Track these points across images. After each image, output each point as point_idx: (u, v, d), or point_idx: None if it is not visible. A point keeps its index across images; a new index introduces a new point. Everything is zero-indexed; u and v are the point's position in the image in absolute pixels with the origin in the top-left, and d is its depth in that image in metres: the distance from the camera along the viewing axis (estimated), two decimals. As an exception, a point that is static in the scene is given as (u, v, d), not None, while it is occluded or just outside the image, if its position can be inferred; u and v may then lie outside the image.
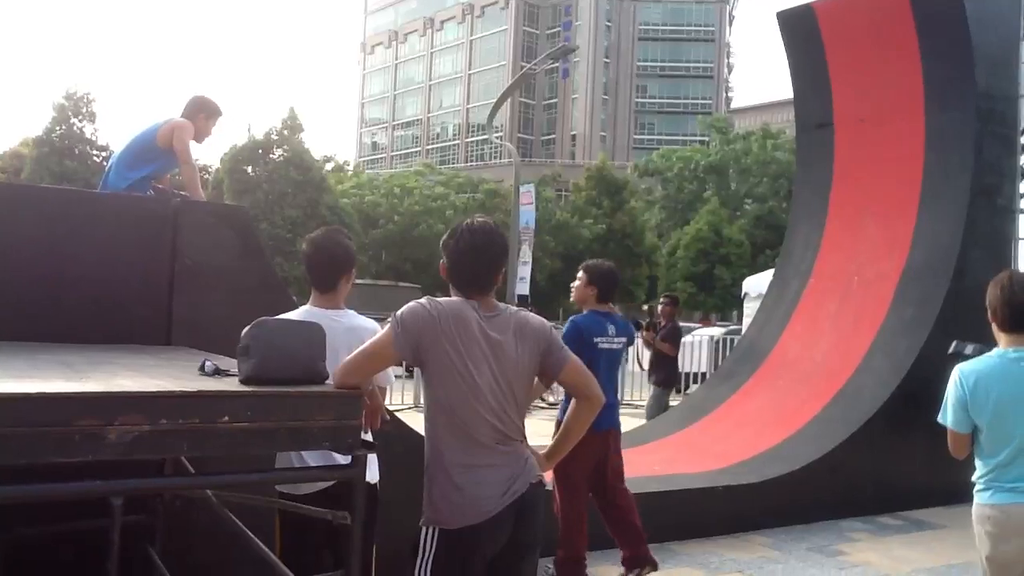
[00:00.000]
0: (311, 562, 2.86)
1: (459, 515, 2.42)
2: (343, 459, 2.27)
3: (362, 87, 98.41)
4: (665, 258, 43.29)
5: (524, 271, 21.79)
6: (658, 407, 9.62)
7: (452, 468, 2.44)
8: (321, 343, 2.34)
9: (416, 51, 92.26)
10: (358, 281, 3.57)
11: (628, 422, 9.80)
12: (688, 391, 14.25)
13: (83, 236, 3.72)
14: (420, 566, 2.43)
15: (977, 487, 3.11)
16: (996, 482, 3.02)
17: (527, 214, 23.24)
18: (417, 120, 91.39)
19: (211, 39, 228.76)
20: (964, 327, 4.14)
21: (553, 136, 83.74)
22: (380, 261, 41.34)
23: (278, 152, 38.49)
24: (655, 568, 4.71)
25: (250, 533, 2.67)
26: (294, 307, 3.27)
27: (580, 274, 4.88)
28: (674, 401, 10.00)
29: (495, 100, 29.49)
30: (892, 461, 6.84)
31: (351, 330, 2.97)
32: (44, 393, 1.83)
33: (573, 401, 2.74)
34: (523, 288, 21.47)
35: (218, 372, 2.35)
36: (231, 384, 2.19)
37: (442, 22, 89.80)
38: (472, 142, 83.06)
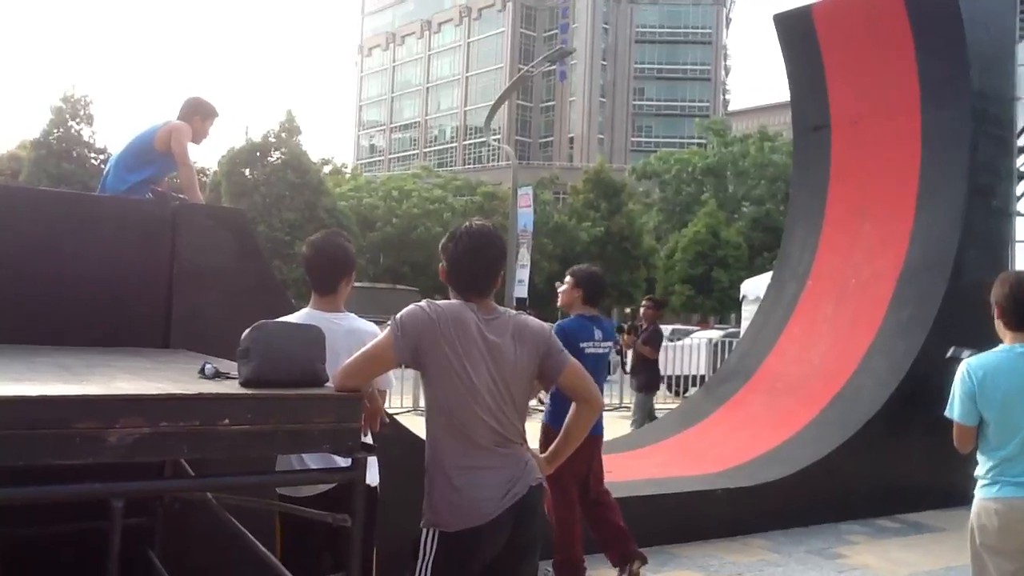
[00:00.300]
0: (312, 564, 2.86)
1: (458, 517, 2.42)
2: (343, 461, 2.27)
3: (359, 89, 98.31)
4: (663, 260, 43.24)
5: (522, 274, 21.81)
6: (643, 413, 9.59)
7: (451, 470, 2.44)
8: (321, 346, 2.35)
9: (413, 53, 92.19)
10: (356, 284, 3.56)
11: (622, 426, 9.82)
12: (686, 394, 14.27)
13: (82, 239, 3.72)
14: (420, 568, 2.43)
15: (981, 482, 3.15)
16: (1002, 476, 3.08)
17: (525, 217, 23.26)
18: (415, 122, 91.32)
19: (208, 42, 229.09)
20: (962, 327, 4.17)
21: (551, 139, 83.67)
22: (378, 264, 41.28)
23: (276, 155, 38.40)
24: (645, 562, 4.76)
25: (250, 535, 2.67)
26: (292, 310, 3.27)
27: (567, 278, 4.98)
28: (668, 405, 9.98)
29: (493, 102, 29.54)
30: (890, 463, 6.84)
31: (351, 333, 2.97)
32: (45, 396, 1.84)
33: (573, 405, 2.74)
34: (521, 291, 21.49)
35: (218, 375, 2.36)
36: (231, 387, 2.19)
37: (439, 24, 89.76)
38: (470, 145, 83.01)
